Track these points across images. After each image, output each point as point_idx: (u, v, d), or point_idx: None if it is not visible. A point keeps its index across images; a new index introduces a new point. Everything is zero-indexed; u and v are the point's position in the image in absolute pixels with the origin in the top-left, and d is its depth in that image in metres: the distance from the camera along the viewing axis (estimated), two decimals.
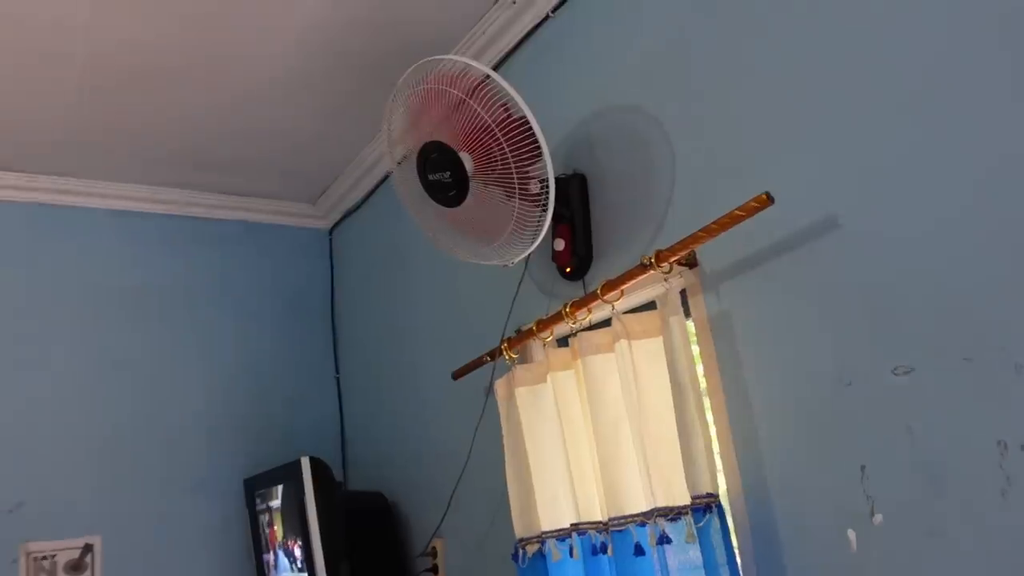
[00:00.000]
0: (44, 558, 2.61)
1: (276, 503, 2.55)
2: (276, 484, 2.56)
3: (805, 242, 1.48)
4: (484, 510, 2.28)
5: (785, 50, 1.55)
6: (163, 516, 2.80)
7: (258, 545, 2.77)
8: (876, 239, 1.37)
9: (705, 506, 1.48)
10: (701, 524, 1.49)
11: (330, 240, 3.37)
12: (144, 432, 2.84)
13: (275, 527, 2.56)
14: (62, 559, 2.63)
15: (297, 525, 2.39)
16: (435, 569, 2.46)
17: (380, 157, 2.88)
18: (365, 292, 3.10)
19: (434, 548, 2.46)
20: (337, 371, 3.22)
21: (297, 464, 2.37)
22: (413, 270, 2.75)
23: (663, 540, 1.56)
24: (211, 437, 2.95)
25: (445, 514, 2.30)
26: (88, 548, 2.68)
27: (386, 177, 2.92)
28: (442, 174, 1.72)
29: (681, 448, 1.53)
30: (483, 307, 2.32)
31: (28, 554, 2.59)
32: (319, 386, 3.19)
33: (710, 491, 1.49)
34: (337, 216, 3.27)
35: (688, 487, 1.51)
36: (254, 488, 2.76)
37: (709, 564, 1.48)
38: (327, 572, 2.31)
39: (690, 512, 1.51)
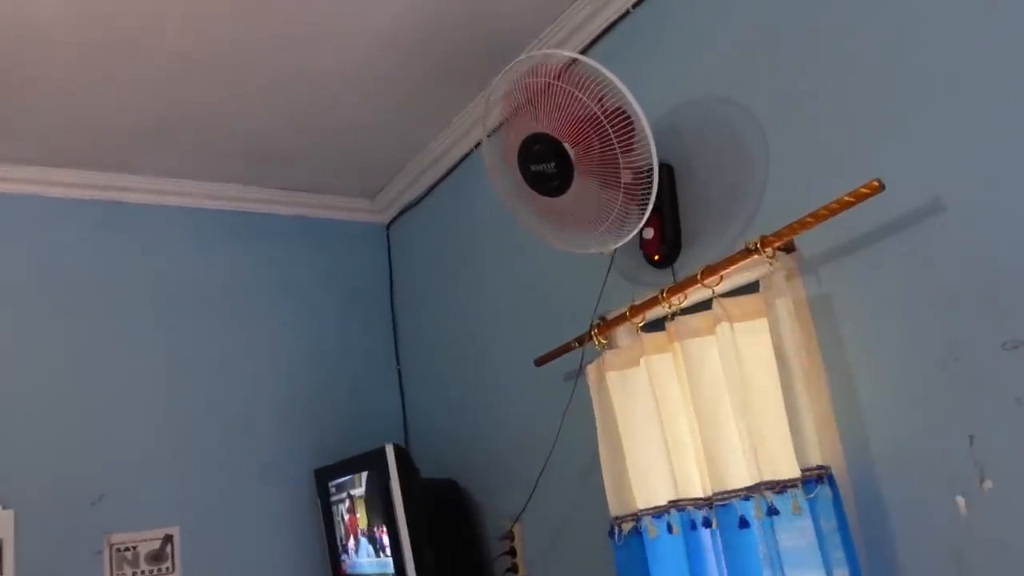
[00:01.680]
0: (127, 549, 2.69)
1: (359, 491, 2.62)
2: (357, 472, 2.62)
3: (908, 225, 1.55)
4: (562, 494, 2.36)
5: (882, 33, 1.61)
6: (236, 505, 2.87)
7: (331, 533, 2.84)
8: (983, 218, 1.44)
9: (817, 477, 1.56)
10: (812, 495, 1.56)
11: (387, 234, 3.44)
12: (215, 423, 2.92)
13: (357, 514, 2.63)
14: (143, 550, 2.71)
15: (381, 512, 2.46)
16: (513, 552, 2.53)
17: (443, 152, 2.96)
18: (425, 284, 3.17)
19: (512, 532, 2.53)
20: (398, 362, 3.29)
21: (382, 452, 2.44)
22: (481, 261, 2.82)
23: (771, 512, 1.63)
24: (278, 427, 3.02)
25: (530, 497, 2.37)
26: (168, 539, 2.75)
27: (448, 173, 2.99)
28: (546, 165, 1.79)
29: (789, 423, 1.60)
30: (560, 296, 2.39)
31: (111, 545, 2.66)
32: (381, 377, 3.27)
33: (821, 463, 1.56)
34: (395, 211, 3.35)
35: (798, 460, 1.59)
36: (327, 477, 2.83)
37: (819, 533, 1.56)
38: (414, 557, 2.37)
39: (800, 484, 1.58)
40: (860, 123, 1.64)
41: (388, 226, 3.43)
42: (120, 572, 2.65)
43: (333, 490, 2.80)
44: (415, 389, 3.22)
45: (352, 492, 2.67)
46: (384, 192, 3.30)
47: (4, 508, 2.55)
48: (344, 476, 2.71)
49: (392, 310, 3.35)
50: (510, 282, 2.67)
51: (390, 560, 2.45)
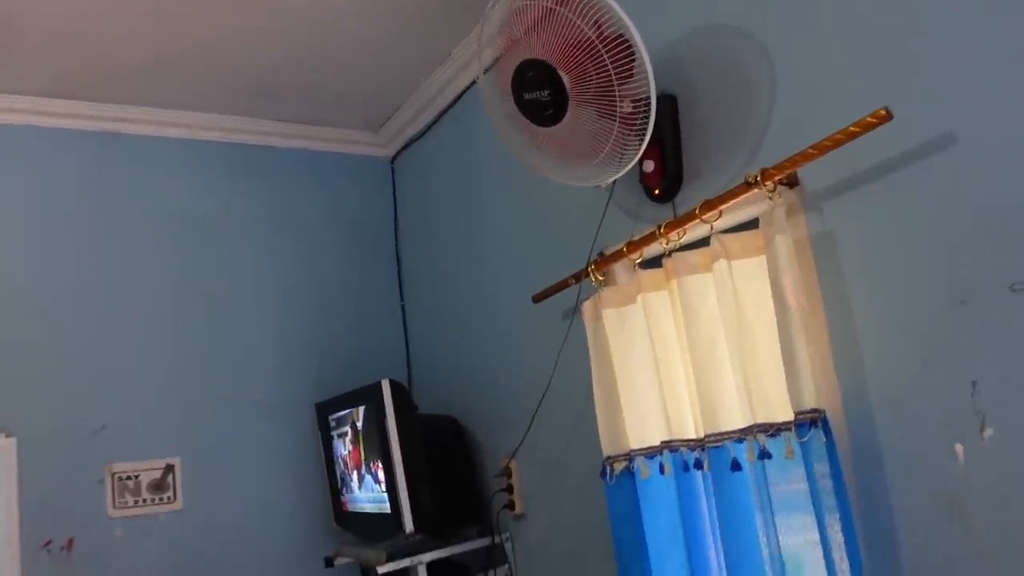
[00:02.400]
0: (128, 478, 2.71)
1: (357, 425, 2.61)
2: (354, 406, 2.61)
3: (917, 159, 1.46)
4: (558, 432, 2.33)
5: None
6: (238, 439, 2.88)
7: (331, 467, 2.85)
8: (997, 153, 1.35)
9: (811, 421, 1.50)
10: (805, 439, 1.51)
11: (392, 168, 3.37)
12: (216, 357, 2.91)
13: (359, 448, 2.62)
14: (145, 479, 2.73)
15: (377, 447, 2.45)
16: (510, 489, 2.52)
17: (446, 83, 2.86)
18: (430, 220, 3.11)
19: (508, 468, 2.52)
20: (402, 298, 3.25)
21: (377, 387, 2.42)
22: (484, 196, 2.75)
23: (763, 455, 1.59)
24: (280, 362, 3.01)
25: (526, 434, 2.34)
26: (169, 469, 2.77)
27: (451, 104, 2.91)
28: (539, 92, 1.71)
29: (784, 365, 1.55)
30: (561, 231, 2.33)
31: (113, 474, 2.68)
32: (384, 313, 3.23)
33: (815, 406, 1.51)
34: (399, 144, 3.27)
35: (792, 403, 1.53)
36: (327, 411, 2.83)
37: (812, 478, 1.51)
38: (408, 493, 2.36)
39: (793, 428, 1.53)
40: (871, 53, 1.54)
41: (392, 160, 3.36)
42: (122, 500, 2.68)
43: (333, 424, 2.80)
44: (419, 325, 3.18)
45: (351, 426, 2.66)
46: (387, 125, 3.22)
47: (7, 436, 2.56)
48: (344, 410, 2.70)
49: (396, 245, 3.31)
50: (513, 217, 2.60)
51: (385, 496, 2.45)
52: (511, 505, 2.53)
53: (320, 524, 2.95)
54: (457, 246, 2.92)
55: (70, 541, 2.58)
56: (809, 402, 1.51)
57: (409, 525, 2.34)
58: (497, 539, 2.56)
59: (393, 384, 2.42)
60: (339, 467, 2.78)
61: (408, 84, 2.95)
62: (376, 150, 3.36)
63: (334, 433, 2.79)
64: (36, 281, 2.71)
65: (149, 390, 2.79)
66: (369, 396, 2.48)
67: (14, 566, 2.50)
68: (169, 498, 2.75)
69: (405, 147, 3.25)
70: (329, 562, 2.76)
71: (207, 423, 2.85)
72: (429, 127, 3.07)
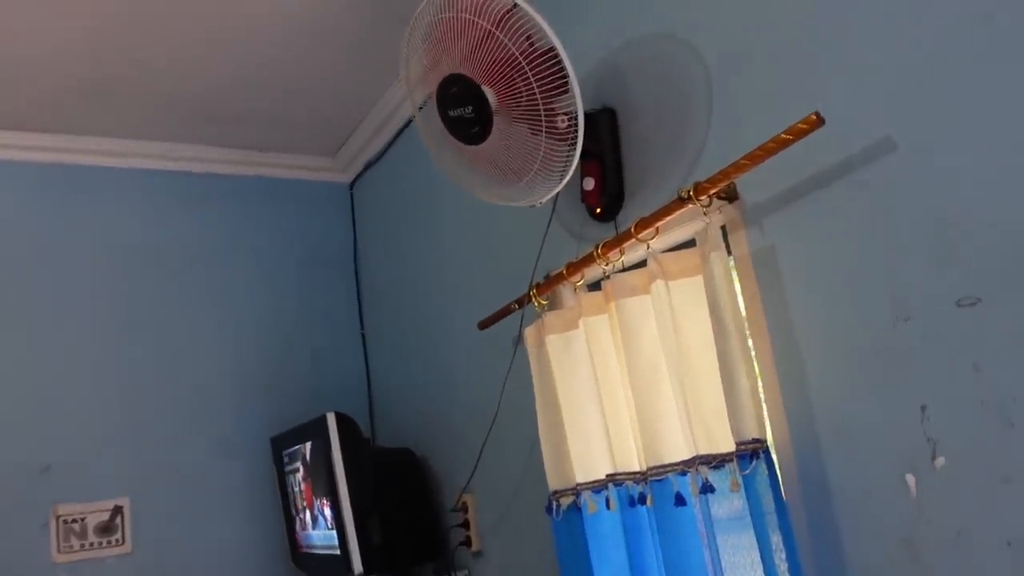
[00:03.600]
0: (74, 520, 2.60)
1: (308, 459, 2.50)
2: (304, 441, 2.50)
3: (857, 167, 1.36)
4: (514, 463, 2.22)
5: None
6: (191, 477, 2.77)
7: (287, 503, 2.74)
8: (938, 161, 1.26)
9: (752, 452, 1.39)
10: (747, 472, 1.40)
11: (351, 194, 3.28)
12: (169, 392, 2.81)
13: (310, 484, 2.51)
14: (92, 521, 2.62)
15: (325, 482, 2.34)
16: (466, 524, 2.41)
17: (400, 103, 2.78)
18: (389, 245, 3.02)
19: (464, 503, 2.41)
20: (362, 326, 3.15)
21: (323, 420, 2.31)
22: (438, 220, 2.66)
23: (706, 489, 1.48)
24: (237, 396, 2.91)
25: (475, 469, 2.24)
26: (118, 510, 2.65)
27: (407, 124, 2.82)
28: (463, 109, 1.62)
29: (724, 392, 1.44)
30: (511, 254, 2.23)
31: (58, 516, 2.58)
32: (344, 342, 3.13)
33: (756, 436, 1.40)
34: (357, 169, 3.19)
35: (732, 433, 1.42)
36: (281, 446, 2.72)
37: (756, 513, 1.40)
38: (356, 529, 2.25)
39: (735, 459, 1.42)
40: (804, 57, 1.45)
41: (351, 185, 3.28)
42: (67, 544, 2.57)
43: (286, 459, 2.69)
44: (379, 355, 3.08)
45: (302, 462, 2.55)
46: (344, 149, 3.14)
47: None
48: (295, 445, 2.60)
49: (356, 272, 3.21)
50: (465, 240, 2.51)
51: (334, 535, 2.34)
52: (467, 542, 2.41)
53: (277, 564, 2.83)
54: (415, 271, 2.82)
55: None
56: (750, 432, 1.40)
57: (358, 566, 2.23)
58: None
59: (339, 416, 2.32)
60: (293, 504, 2.67)
61: (361, 106, 2.87)
62: (334, 175, 3.27)
63: (288, 469, 2.68)
64: None
65: (97, 427, 2.68)
66: (316, 430, 2.38)
67: None
68: (117, 540, 2.64)
69: (363, 171, 3.17)
70: None
71: (159, 461, 2.74)
72: (385, 149, 2.99)
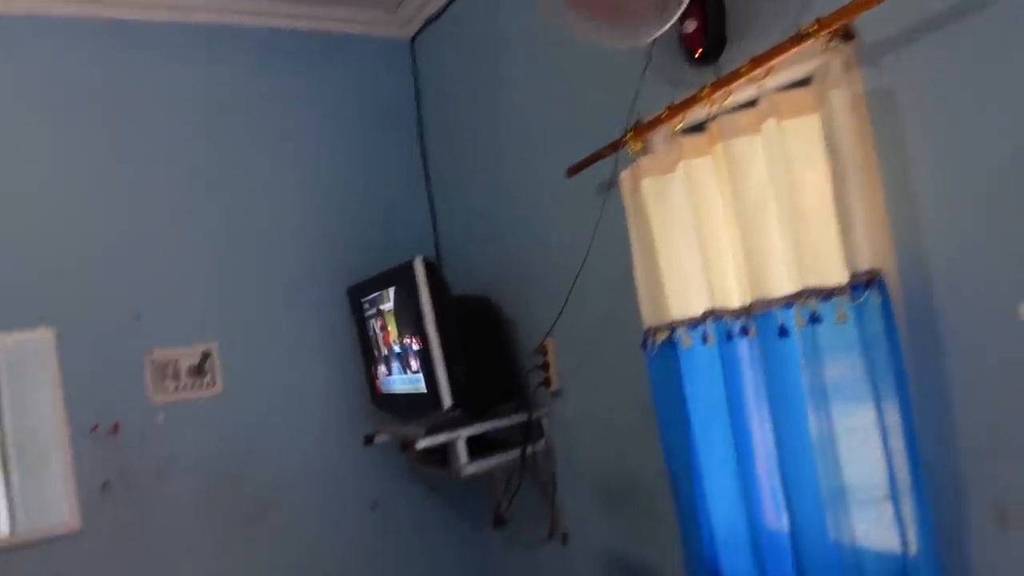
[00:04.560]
0: (167, 364, 2.74)
1: (388, 306, 2.60)
2: (386, 287, 2.60)
3: (986, 5, 1.36)
4: (594, 308, 2.31)
5: None
6: (272, 323, 2.90)
7: (366, 349, 2.87)
8: None
9: (865, 282, 1.46)
10: (859, 301, 1.47)
11: (412, 49, 3.25)
12: (246, 243, 2.90)
13: (389, 329, 2.63)
14: (184, 364, 2.76)
15: (412, 326, 2.45)
16: (545, 366, 2.53)
17: None
18: (453, 99, 3.02)
19: (544, 346, 2.52)
20: (427, 179, 3.20)
21: (409, 266, 2.39)
22: (509, 72, 2.66)
23: (813, 320, 1.56)
24: (309, 247, 3.00)
25: (561, 311, 2.33)
26: (207, 355, 2.79)
27: None
28: None
29: (839, 226, 1.50)
30: (594, 102, 2.24)
31: (152, 360, 2.71)
32: (410, 194, 3.20)
33: (871, 267, 1.46)
34: (418, 24, 3.15)
35: (846, 264, 1.49)
36: (359, 294, 2.82)
37: (866, 341, 1.48)
38: (446, 369, 2.37)
39: (848, 291, 1.49)
40: None
41: (412, 40, 3.24)
42: (162, 385, 2.72)
43: (366, 306, 2.80)
44: (446, 207, 3.14)
45: (382, 307, 2.66)
46: (405, 4, 3.08)
47: (46, 327, 2.58)
48: (375, 292, 2.69)
49: (420, 126, 3.23)
50: (540, 91, 2.51)
51: (420, 376, 2.46)
52: (547, 382, 2.54)
53: (357, 405, 3.00)
54: (483, 124, 2.84)
55: (116, 426, 2.64)
56: (865, 263, 1.47)
57: (447, 400, 2.37)
58: (534, 415, 2.59)
59: (426, 262, 2.40)
60: (376, 348, 2.79)
61: None
62: (395, 31, 3.23)
63: (367, 315, 2.80)
64: (63, 173, 2.67)
65: (182, 277, 2.79)
66: (401, 276, 2.46)
67: (65, 450, 2.56)
68: (208, 383, 2.79)
69: (424, 26, 3.12)
70: (368, 440, 2.82)
71: (241, 309, 2.86)
72: (447, 5, 2.95)
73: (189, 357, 2.77)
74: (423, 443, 2.42)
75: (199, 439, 2.75)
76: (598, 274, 2.24)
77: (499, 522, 2.95)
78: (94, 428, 2.61)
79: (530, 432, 2.60)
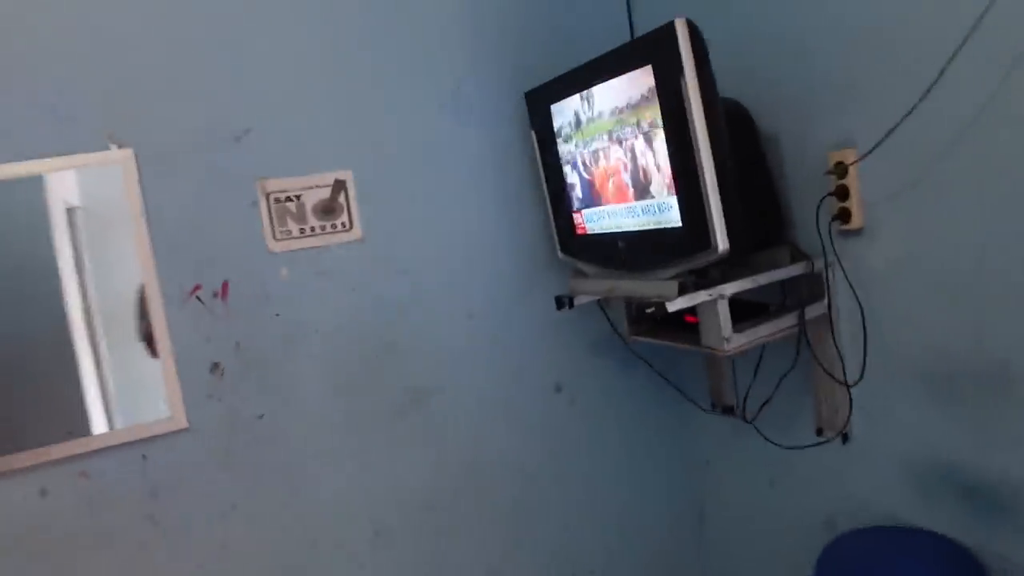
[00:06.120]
0: (288, 199, 1.98)
1: (608, 105, 1.77)
2: (605, 78, 1.76)
3: None
4: (952, 102, 1.47)
5: None
6: (422, 145, 2.12)
7: (553, 175, 2.07)
8: None
9: None
10: None
11: None
12: (389, 40, 2.08)
13: (615, 143, 1.81)
14: (310, 200, 2.00)
15: (674, 129, 1.62)
16: (844, 193, 1.71)
17: None
18: None
19: (844, 166, 1.70)
20: None
21: (666, 35, 1.54)
22: None
23: None
24: (468, 43, 2.16)
25: (897, 124, 1.49)
26: (340, 185, 2.03)
27: None
28: None
29: None
30: None
31: (268, 194, 1.96)
32: None
33: None
34: None
35: None
36: (546, 100, 2.00)
37: None
38: (720, 197, 1.57)
39: None
40: None
41: None
42: (283, 229, 1.98)
43: (555, 115, 1.98)
44: None
45: (591, 113, 1.83)
46: None
47: (120, 147, 1.83)
48: (579, 91, 1.86)
49: None
50: None
51: (672, 203, 1.66)
52: (843, 215, 1.74)
53: (541, 253, 2.24)
54: None
55: (224, 285, 1.92)
56: None
57: (721, 240, 1.58)
58: (817, 265, 1.80)
59: (691, 26, 1.55)
60: (571, 175, 2.00)
61: None
62: None
63: (560, 128, 1.98)
64: None
65: (301, 83, 1.99)
66: (642, 53, 1.62)
67: (158, 319, 1.86)
68: (344, 225, 2.04)
69: None
70: (565, 303, 2.06)
71: (382, 126, 2.07)
72: None
73: (317, 190, 2.01)
74: (676, 304, 1.65)
75: (335, 300, 2.03)
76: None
77: (727, 410, 2.24)
78: (194, 290, 1.90)
79: (807, 290, 1.82)
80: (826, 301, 1.83)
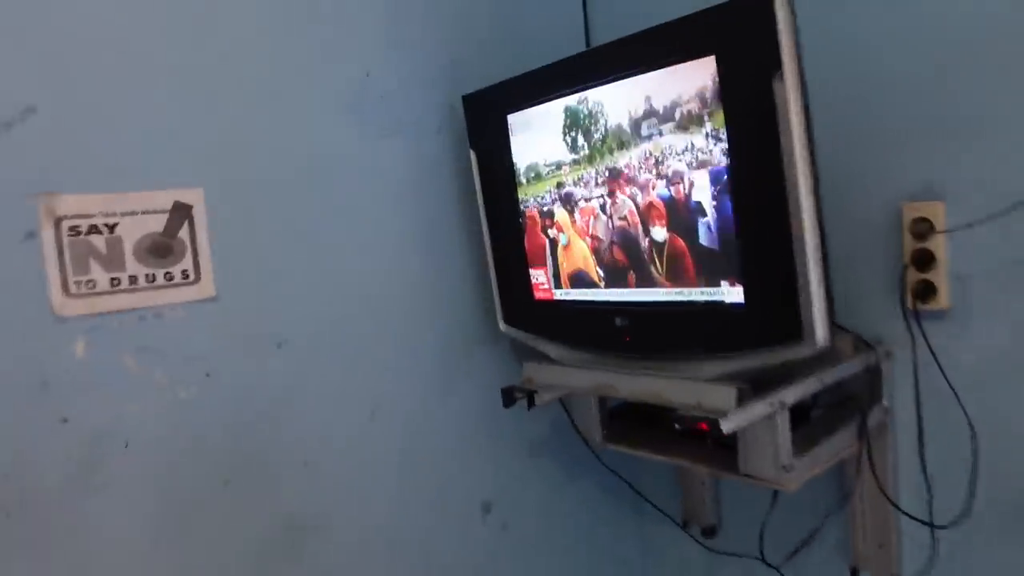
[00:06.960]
0: (94, 230, 1.22)
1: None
2: (621, 72, 1.18)
3: None
4: None
5: None
6: (311, 158, 1.42)
7: (502, 212, 1.46)
8: None
9: None
10: None
11: None
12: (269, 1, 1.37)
13: (617, 171, 1.22)
14: (131, 232, 1.25)
15: (756, 124, 1.06)
16: (923, 260, 1.24)
17: None
18: None
19: (924, 218, 1.22)
20: None
21: (754, 4, 1.00)
22: None
23: None
24: (389, 20, 1.50)
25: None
26: (183, 211, 1.29)
27: None
28: None
29: None
30: None
31: (58, 219, 1.19)
32: None
33: None
34: None
35: None
36: (502, 106, 1.39)
37: None
38: (821, 269, 1.04)
39: None
40: None
41: None
42: (83, 279, 1.21)
43: (513, 129, 1.38)
44: None
45: (602, 126, 1.24)
46: None
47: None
48: (559, 94, 1.27)
49: None
50: None
51: (726, 282, 1.11)
52: (925, 292, 1.26)
53: (474, 323, 1.60)
54: None
55: None
56: None
57: (820, 330, 1.03)
58: (884, 355, 1.31)
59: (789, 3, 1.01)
60: (521, 212, 1.39)
61: None
62: None
63: (516, 141, 1.38)
64: None
65: (126, 44, 1.23)
66: (699, 35, 1.06)
67: None
68: (186, 274, 1.30)
69: None
70: (518, 399, 1.43)
71: (252, 127, 1.34)
72: None
73: (143, 218, 1.26)
74: (733, 420, 1.08)
75: (164, 397, 1.28)
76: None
77: (708, 531, 1.71)
78: None
79: (872, 387, 1.33)
80: (882, 404, 1.34)
